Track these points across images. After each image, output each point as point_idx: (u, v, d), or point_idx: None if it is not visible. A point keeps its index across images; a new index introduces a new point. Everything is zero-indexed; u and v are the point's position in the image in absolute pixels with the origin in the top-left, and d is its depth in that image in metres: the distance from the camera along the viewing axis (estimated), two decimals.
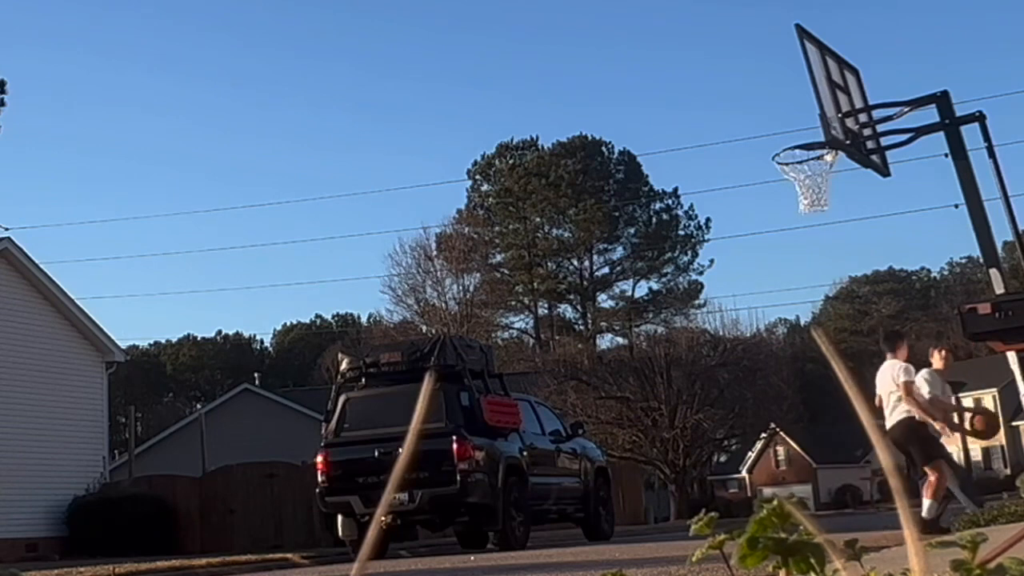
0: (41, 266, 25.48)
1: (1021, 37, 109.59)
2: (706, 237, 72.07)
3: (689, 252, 72.17)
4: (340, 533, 15.28)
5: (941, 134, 11.30)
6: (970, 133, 11.26)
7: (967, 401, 73.76)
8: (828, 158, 11.53)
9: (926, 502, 10.92)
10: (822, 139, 11.26)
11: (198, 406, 54.63)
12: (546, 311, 72.78)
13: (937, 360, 11.59)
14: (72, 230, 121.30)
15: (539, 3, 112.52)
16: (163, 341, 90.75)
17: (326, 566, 13.96)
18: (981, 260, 12.84)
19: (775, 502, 1.34)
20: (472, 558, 12.91)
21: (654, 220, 72.62)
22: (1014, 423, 69.03)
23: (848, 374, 1.22)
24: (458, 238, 65.09)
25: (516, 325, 72.33)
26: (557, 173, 69.83)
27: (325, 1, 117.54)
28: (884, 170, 12.07)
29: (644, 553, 10.76)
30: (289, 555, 16.69)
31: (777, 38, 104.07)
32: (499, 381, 16.55)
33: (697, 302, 69.23)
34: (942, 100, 11.31)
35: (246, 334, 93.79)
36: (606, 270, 72.95)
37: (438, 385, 14.50)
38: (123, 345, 29.24)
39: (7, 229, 25.96)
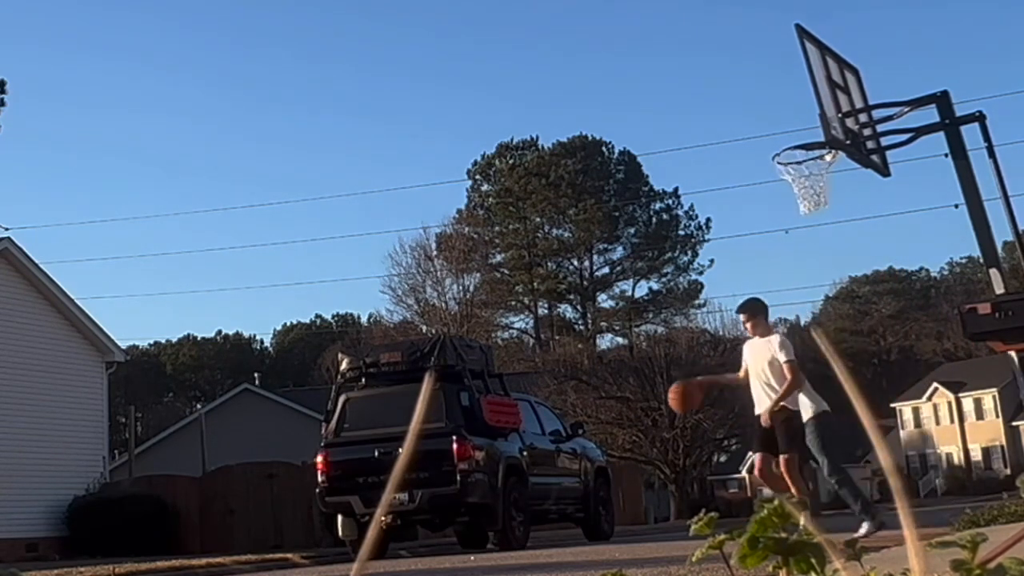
0: (41, 266, 25.50)
1: (1021, 37, 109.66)
2: (706, 237, 72.17)
3: (689, 252, 72.22)
4: (340, 533, 15.28)
5: (941, 134, 11.29)
6: (970, 133, 11.26)
7: (967, 402, 73.90)
8: (828, 158, 11.52)
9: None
10: (822, 139, 11.25)
11: (198, 406, 54.61)
12: (546, 311, 72.81)
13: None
14: (72, 230, 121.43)
15: (539, 4, 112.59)
16: (163, 341, 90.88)
17: (326, 566, 13.96)
18: (981, 260, 12.82)
19: (775, 502, 1.34)
20: (472, 558, 12.91)
21: (654, 220, 72.64)
22: (1014, 423, 68.98)
23: (848, 374, 1.22)
24: (458, 238, 65.10)
25: (516, 325, 72.40)
26: (557, 173, 69.85)
27: (325, 2, 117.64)
28: (884, 170, 12.06)
29: (644, 553, 10.76)
30: (289, 555, 16.69)
31: (777, 38, 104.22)
32: (499, 381, 16.53)
33: (697, 302, 69.34)
34: (942, 100, 11.31)
35: (246, 334, 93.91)
36: (606, 270, 73.00)
37: (438, 385, 14.49)
38: (123, 345, 29.24)
39: (7, 229, 25.97)
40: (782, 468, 9.91)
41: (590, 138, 72.86)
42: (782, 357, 10.16)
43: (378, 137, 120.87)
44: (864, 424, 1.25)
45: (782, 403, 10.02)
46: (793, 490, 9.77)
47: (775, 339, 10.46)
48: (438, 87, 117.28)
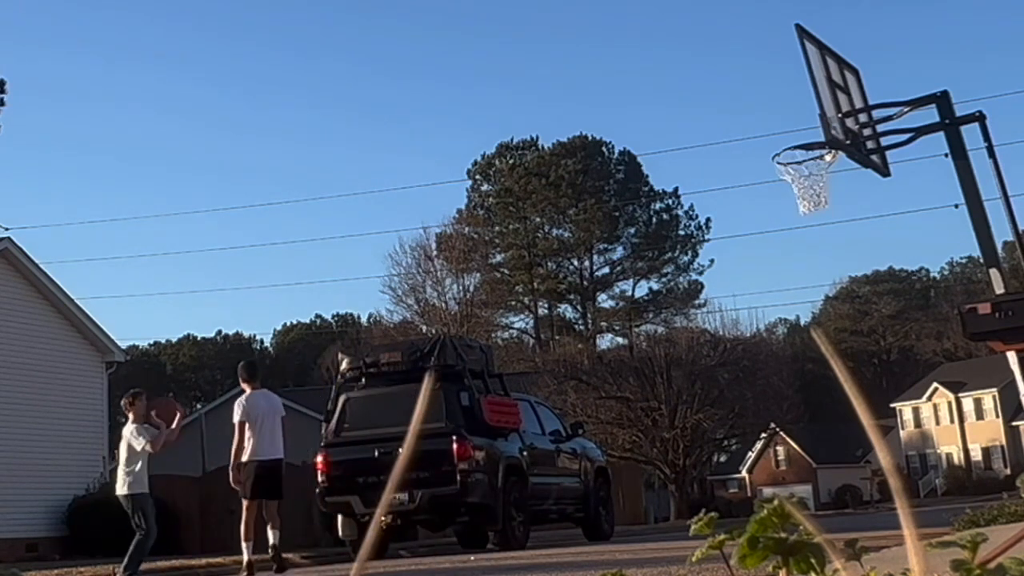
0: (41, 266, 25.49)
1: (1021, 37, 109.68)
2: (706, 237, 72.18)
3: (689, 252, 72.20)
4: (340, 533, 15.28)
5: (941, 134, 11.30)
6: (970, 133, 11.26)
7: (967, 402, 73.86)
8: (828, 158, 11.52)
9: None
10: (822, 139, 11.25)
11: (198, 406, 54.61)
12: (546, 311, 72.80)
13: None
14: (72, 230, 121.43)
15: (540, 3, 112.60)
16: (163, 341, 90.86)
17: (326, 566, 13.97)
18: (981, 260, 12.83)
19: (775, 502, 1.34)
20: (472, 558, 12.91)
21: (654, 220, 72.63)
22: (1014, 423, 68.95)
23: (848, 374, 1.22)
24: (458, 238, 65.08)
25: (516, 325, 72.36)
26: (557, 173, 69.83)
27: (325, 0, 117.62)
28: (884, 170, 12.07)
29: (644, 553, 10.76)
30: (289, 555, 16.67)
31: (777, 38, 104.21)
32: (499, 381, 16.53)
33: (697, 302, 69.28)
34: (942, 100, 11.31)
35: (246, 334, 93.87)
36: (606, 270, 72.98)
37: (438, 385, 14.48)
38: (123, 345, 29.23)
39: (7, 229, 25.99)
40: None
41: (590, 138, 72.85)
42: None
43: (378, 137, 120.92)
44: (864, 424, 1.25)
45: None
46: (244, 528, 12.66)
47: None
48: (438, 86, 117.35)
